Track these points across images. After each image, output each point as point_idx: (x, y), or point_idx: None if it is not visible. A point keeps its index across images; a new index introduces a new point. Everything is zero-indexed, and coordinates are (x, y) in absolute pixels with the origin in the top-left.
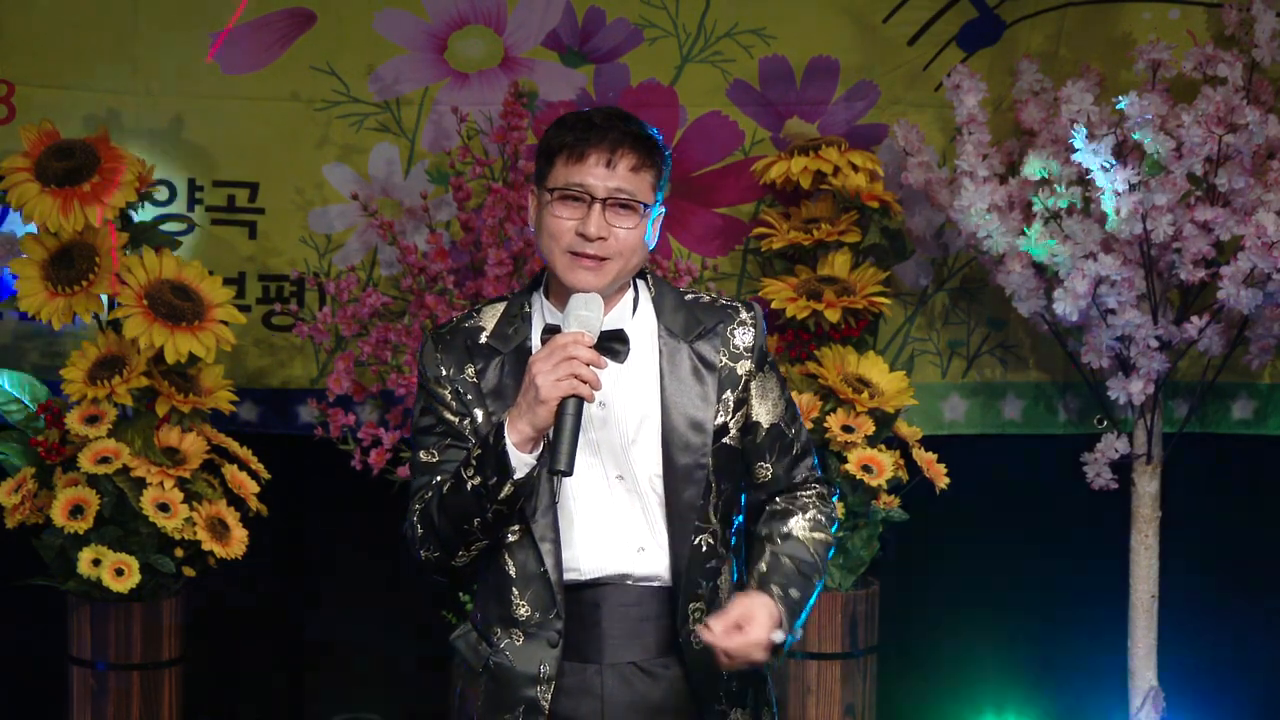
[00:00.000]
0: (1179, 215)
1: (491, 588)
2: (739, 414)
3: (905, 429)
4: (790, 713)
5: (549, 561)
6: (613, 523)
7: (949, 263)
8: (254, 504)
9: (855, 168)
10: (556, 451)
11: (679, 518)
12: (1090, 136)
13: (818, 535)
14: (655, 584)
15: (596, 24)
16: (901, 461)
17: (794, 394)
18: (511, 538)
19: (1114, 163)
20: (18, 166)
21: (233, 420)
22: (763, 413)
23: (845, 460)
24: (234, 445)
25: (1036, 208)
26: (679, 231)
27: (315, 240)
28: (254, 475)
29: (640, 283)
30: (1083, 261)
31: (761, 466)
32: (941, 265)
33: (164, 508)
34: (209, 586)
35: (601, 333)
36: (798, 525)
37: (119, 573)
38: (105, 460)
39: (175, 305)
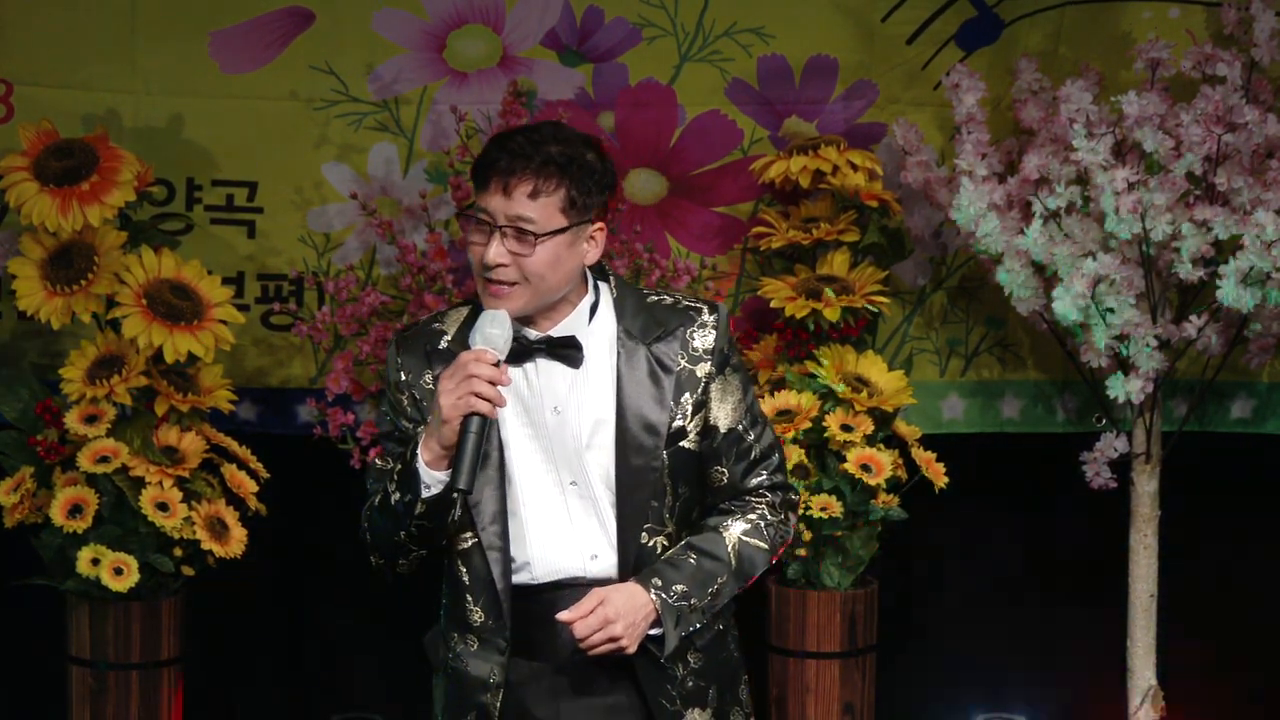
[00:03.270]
0: (1178, 214)
1: (451, 594)
2: (698, 417)
3: (904, 428)
4: (789, 712)
5: (496, 570)
6: (566, 529)
7: (948, 262)
8: (253, 503)
9: (854, 167)
10: (457, 469)
11: (630, 519)
12: (1089, 135)
13: (750, 540)
14: (607, 584)
15: (595, 23)
16: (900, 461)
17: (791, 393)
18: (465, 545)
19: (1113, 161)
20: (16, 166)
21: (231, 420)
22: (721, 416)
23: (844, 459)
24: (233, 444)
25: (1035, 207)
26: (677, 231)
27: (314, 239)
28: (253, 474)
29: (603, 285)
30: (1081, 261)
31: (717, 470)
32: (940, 264)
33: (163, 507)
34: (208, 586)
35: (553, 339)
36: (732, 525)
37: (118, 572)
38: (104, 460)
39: (174, 305)
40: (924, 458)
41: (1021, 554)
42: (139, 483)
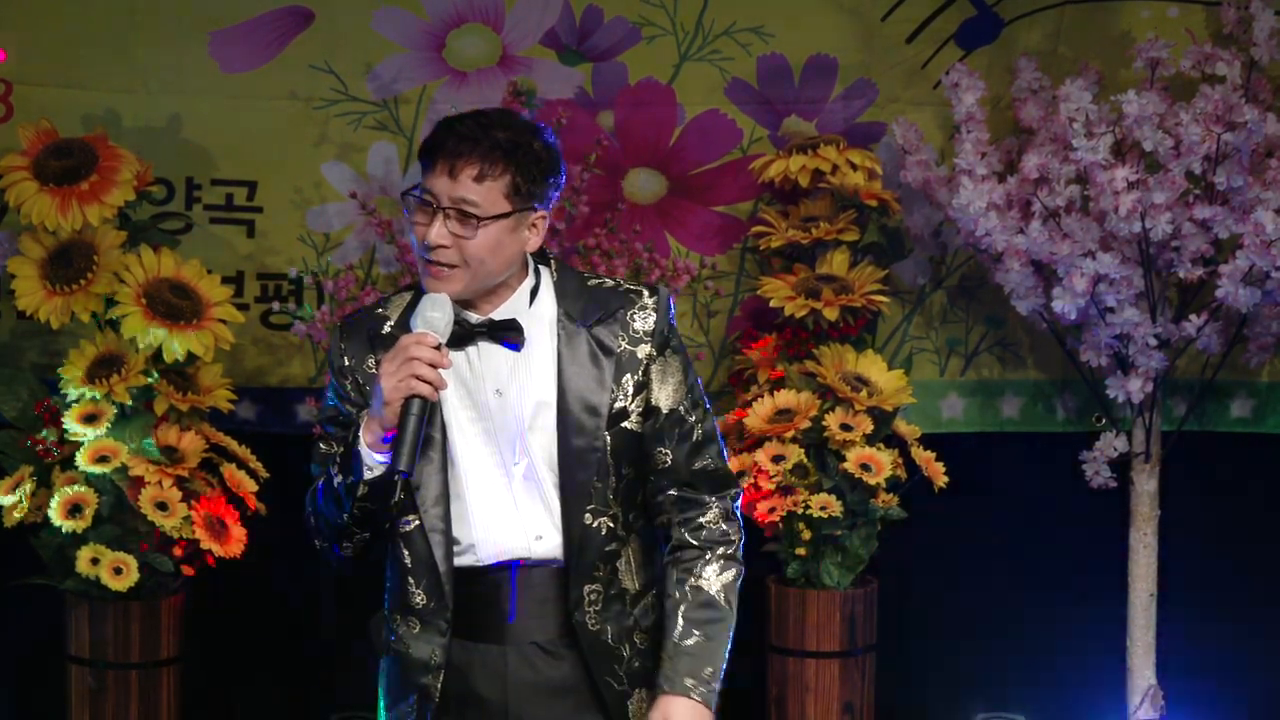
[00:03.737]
0: (1177, 213)
1: (394, 576)
2: (639, 397)
3: (903, 427)
4: (789, 711)
5: (438, 553)
6: (511, 511)
7: (947, 261)
8: (253, 502)
9: (853, 166)
10: (397, 452)
11: (573, 500)
12: (1089, 135)
13: (727, 576)
14: (552, 565)
15: (594, 22)
16: (900, 460)
17: (791, 393)
18: (408, 527)
19: (1112, 161)
20: (16, 165)
21: (231, 419)
22: (662, 397)
23: (844, 459)
24: (232, 444)
25: (1035, 207)
26: (677, 230)
27: (313, 239)
28: (252, 474)
29: (544, 269)
30: (1081, 260)
31: (661, 452)
32: (940, 264)
33: (162, 506)
34: (207, 585)
35: (494, 322)
36: (709, 573)
37: (117, 571)
38: (103, 459)
39: (173, 304)
40: (923, 457)
41: (1021, 553)
42: (138, 482)
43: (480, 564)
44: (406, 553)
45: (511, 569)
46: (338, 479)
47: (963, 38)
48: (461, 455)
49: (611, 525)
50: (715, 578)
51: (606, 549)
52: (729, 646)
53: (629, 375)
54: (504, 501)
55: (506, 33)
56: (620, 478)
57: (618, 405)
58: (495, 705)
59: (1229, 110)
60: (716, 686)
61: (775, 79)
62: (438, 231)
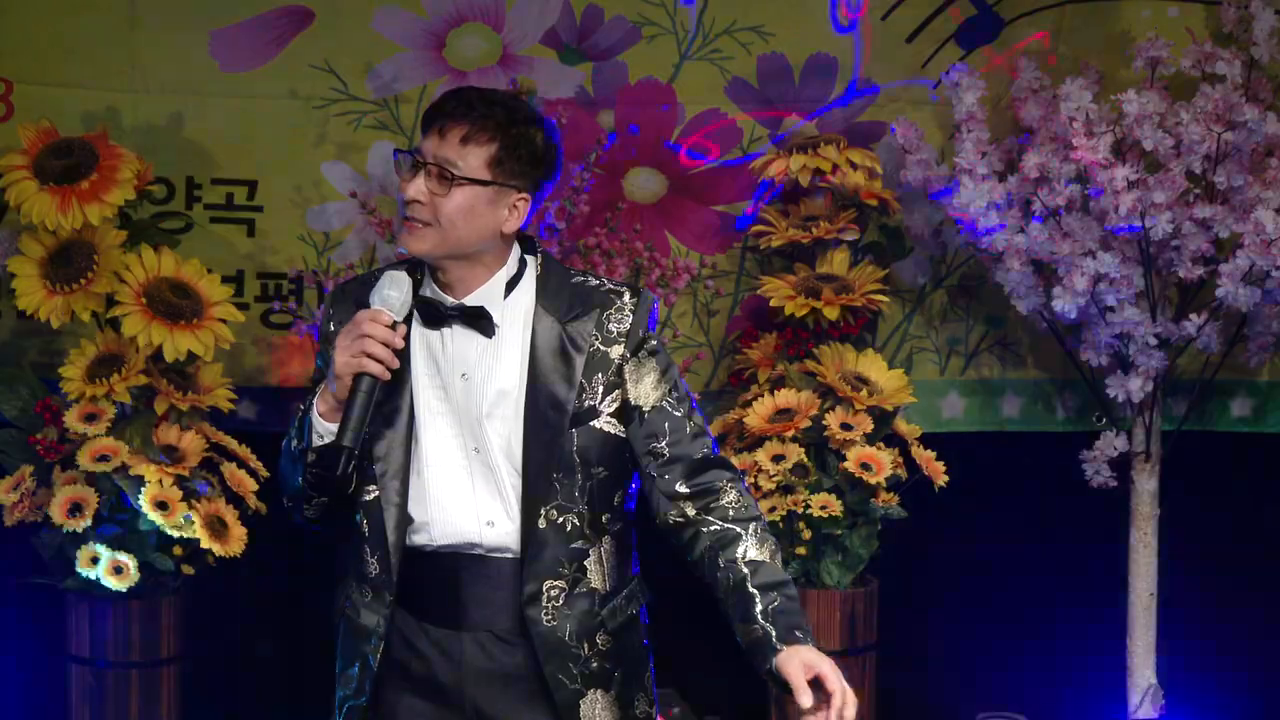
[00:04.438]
0: (1178, 213)
1: (351, 543)
2: (609, 398)
3: (904, 427)
4: (790, 709)
5: (389, 524)
6: (465, 494)
7: (947, 260)
8: (253, 502)
9: (854, 165)
10: (343, 426)
11: (532, 493)
12: (1089, 134)
13: (771, 545)
14: (507, 555)
15: (595, 21)
16: (900, 459)
17: (792, 391)
18: (368, 497)
19: (1113, 160)
20: (16, 164)
21: (231, 418)
22: (640, 396)
23: (844, 458)
24: (233, 443)
25: (1035, 206)
26: (677, 229)
27: (314, 238)
28: (253, 473)
29: (530, 259)
30: (1081, 259)
31: (656, 448)
32: (940, 263)
33: (163, 506)
34: (208, 584)
35: (465, 308)
36: (756, 547)
37: (117, 571)
38: (104, 458)
39: (174, 303)
40: (924, 456)
41: (1021, 552)
42: (139, 481)
43: (433, 544)
44: (365, 522)
45: (464, 556)
46: (293, 442)
47: (963, 37)
48: (425, 434)
49: (578, 523)
50: (763, 548)
51: (572, 546)
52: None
53: (599, 374)
54: (461, 484)
55: (507, 32)
56: (589, 477)
57: (586, 404)
58: (452, 691)
59: (1229, 109)
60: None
61: (775, 78)
62: (416, 187)
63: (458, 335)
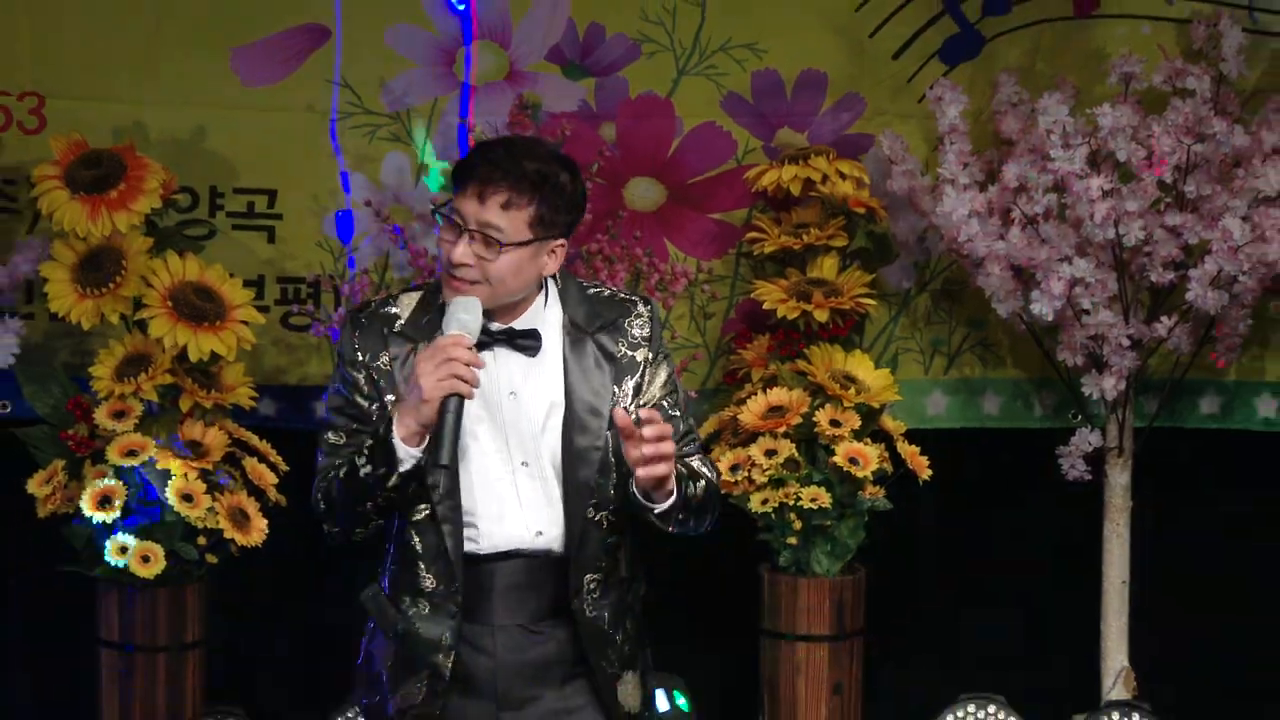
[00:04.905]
0: (1149, 220)
1: (401, 559)
2: (636, 398)
3: (890, 423)
4: (780, 691)
5: (450, 542)
6: (514, 506)
7: (931, 265)
8: (273, 494)
9: (843, 175)
10: (440, 447)
11: (575, 495)
12: (1066, 145)
13: (705, 468)
14: (551, 556)
15: (597, 39)
16: (886, 454)
17: (784, 389)
18: (418, 516)
19: (1088, 170)
20: (48, 175)
21: (252, 415)
22: (650, 392)
23: (833, 453)
24: (254, 439)
25: (1015, 214)
26: (675, 236)
27: (330, 244)
28: (273, 467)
29: (549, 281)
30: (1058, 265)
31: None
32: (924, 268)
33: (188, 498)
34: (230, 572)
35: (514, 330)
36: (692, 461)
37: (145, 560)
38: (132, 453)
39: (198, 306)
40: (909, 451)
41: (1001, 542)
42: (165, 475)
43: (480, 552)
44: (417, 539)
45: (505, 558)
46: (365, 469)
47: (946, 54)
48: (470, 450)
49: (613, 520)
50: (696, 462)
51: (608, 541)
52: (703, 496)
53: (629, 378)
54: (508, 496)
55: (513, 49)
56: (620, 474)
57: (619, 406)
58: (484, 682)
59: (1198, 122)
60: (686, 490)
61: (768, 93)
62: (462, 251)
63: (500, 357)
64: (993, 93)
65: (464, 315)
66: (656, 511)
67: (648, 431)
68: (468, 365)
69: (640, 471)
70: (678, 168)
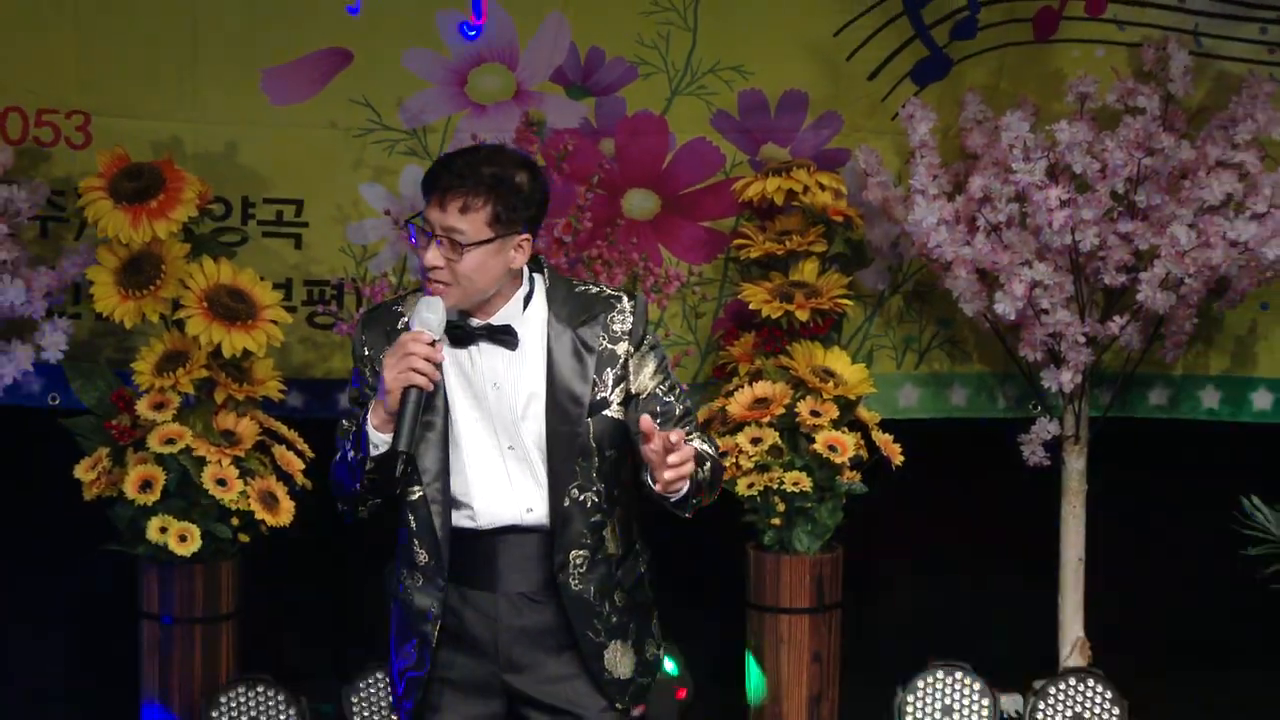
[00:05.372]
0: (1103, 228)
1: (402, 536)
2: (618, 389)
3: (865, 414)
4: (765, 660)
5: (437, 521)
6: (505, 487)
7: (903, 269)
8: (300, 479)
9: (822, 187)
10: (398, 433)
11: (557, 477)
12: (1026, 159)
13: (708, 448)
14: (540, 530)
15: (597, 62)
16: (862, 442)
17: (767, 384)
18: (413, 497)
19: (1047, 182)
20: (94, 186)
21: (281, 406)
22: (639, 384)
23: (813, 441)
24: (282, 428)
25: (979, 222)
26: (669, 242)
27: (353, 250)
28: (300, 454)
29: (538, 276)
30: (1020, 268)
31: None
32: (897, 271)
33: (222, 482)
34: (261, 550)
35: (491, 326)
36: (695, 440)
37: (183, 539)
38: (170, 441)
39: (231, 307)
40: (883, 439)
41: (967, 523)
42: (201, 461)
43: (477, 526)
44: (411, 518)
45: (504, 533)
46: (350, 454)
47: (917, 75)
48: (463, 438)
49: (596, 499)
50: (698, 441)
51: (593, 520)
52: (711, 475)
53: (609, 370)
54: (499, 478)
55: (520, 71)
56: (603, 459)
57: (599, 396)
58: (486, 643)
59: (1148, 138)
60: (697, 477)
61: (754, 111)
62: (432, 255)
63: (485, 351)
64: (960, 111)
65: (427, 314)
66: (673, 501)
67: (672, 459)
68: (426, 360)
69: (659, 487)
70: (671, 179)
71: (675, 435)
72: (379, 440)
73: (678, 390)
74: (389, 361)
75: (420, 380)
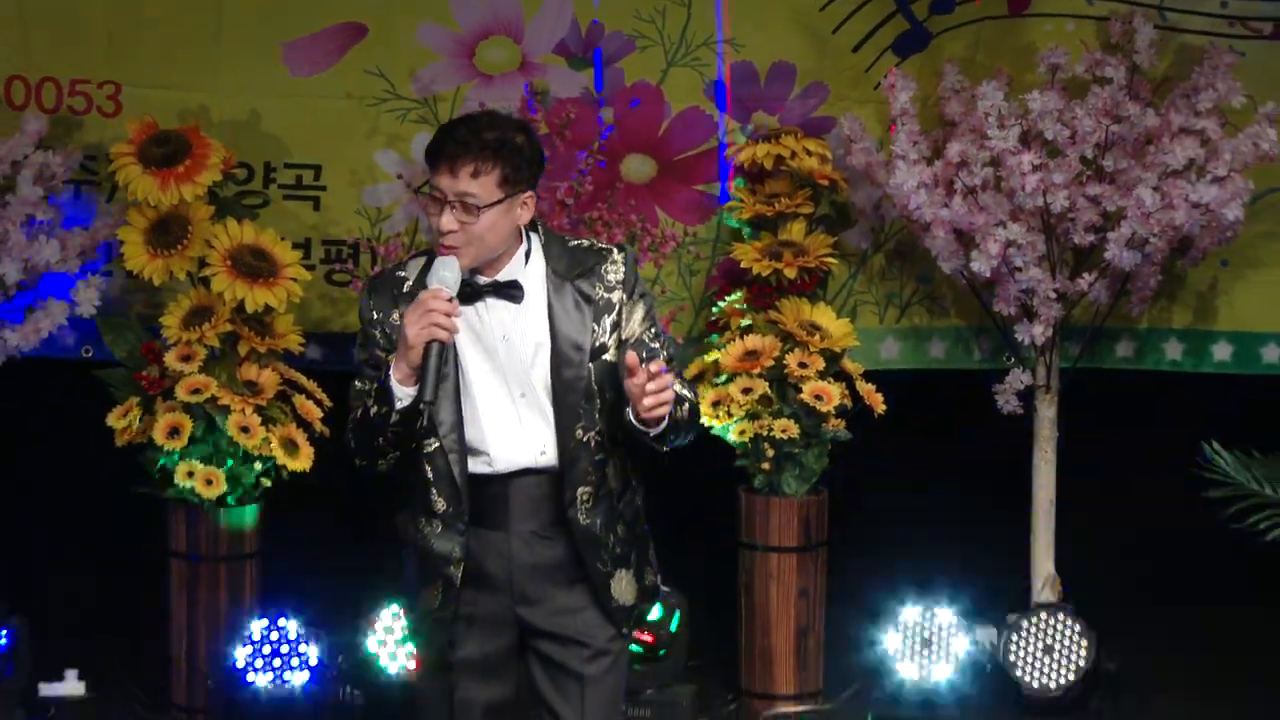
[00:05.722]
0: (1073, 191)
1: (416, 486)
2: (614, 334)
3: (849, 365)
4: (755, 595)
5: (456, 469)
6: (518, 431)
7: (885, 229)
8: (318, 426)
9: (809, 152)
10: (423, 385)
11: (564, 419)
12: (1001, 126)
13: (687, 391)
14: (550, 471)
15: (597, 34)
16: (846, 391)
17: (758, 337)
18: (429, 449)
19: (1020, 147)
20: (124, 152)
21: (300, 359)
22: (629, 330)
23: (800, 390)
24: (302, 379)
25: (957, 185)
26: (665, 204)
27: (368, 212)
28: (318, 403)
29: (533, 235)
30: (994, 228)
31: None
32: (879, 232)
33: (245, 430)
34: (281, 493)
35: (498, 282)
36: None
37: (208, 483)
38: (197, 391)
39: (254, 265)
40: (866, 389)
41: (945, 467)
42: (226, 410)
43: (494, 470)
44: (428, 468)
45: (518, 475)
46: (374, 410)
47: (899, 47)
48: (476, 389)
49: (599, 438)
50: (678, 385)
51: (596, 458)
52: (688, 416)
53: (606, 317)
54: (512, 423)
55: (525, 43)
56: (604, 400)
57: (598, 342)
58: (501, 580)
59: (1115, 106)
60: (675, 414)
61: (745, 81)
62: (447, 220)
63: (492, 306)
64: (938, 81)
65: (444, 273)
66: (652, 435)
67: (651, 386)
68: (446, 315)
69: (644, 414)
70: (667, 146)
71: (655, 365)
72: (403, 394)
73: (662, 337)
74: (410, 319)
75: (442, 334)
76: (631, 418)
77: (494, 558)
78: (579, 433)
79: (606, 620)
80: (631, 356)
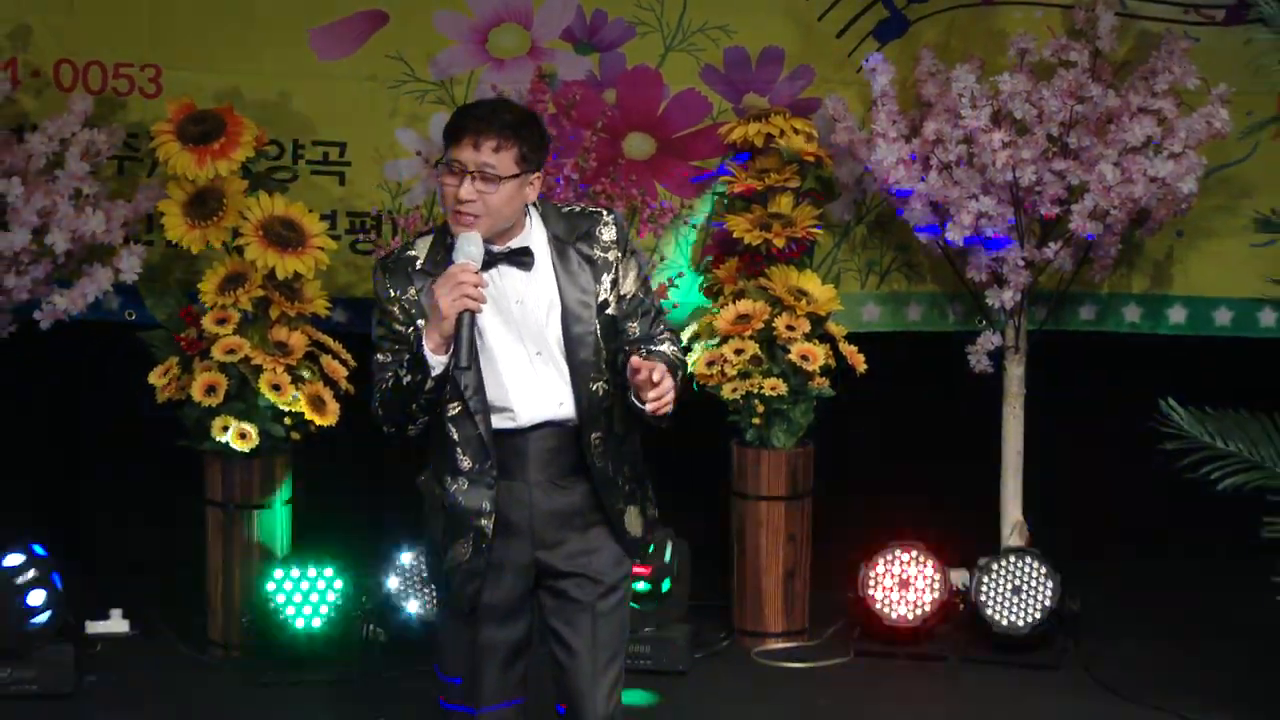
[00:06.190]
0: (1040, 166)
1: (442, 448)
2: (614, 290)
3: (834, 328)
4: (746, 541)
5: (481, 428)
6: (538, 386)
7: (866, 202)
8: (344, 384)
9: (796, 131)
10: (458, 353)
11: (578, 373)
12: (973, 106)
13: (675, 350)
14: (568, 424)
15: (601, 21)
16: (830, 353)
17: (749, 302)
18: (454, 411)
19: (991, 126)
20: (164, 130)
21: (327, 322)
22: (626, 285)
23: (788, 351)
24: (329, 340)
25: (933, 161)
26: (664, 179)
27: (389, 186)
28: (344, 363)
29: (531, 206)
30: (968, 201)
31: (630, 325)
32: (861, 204)
33: (276, 388)
34: (310, 446)
35: (512, 250)
36: (660, 345)
37: (242, 436)
38: (231, 352)
39: (284, 235)
40: (849, 350)
41: (923, 422)
42: (258, 369)
43: (518, 425)
44: (453, 429)
45: (539, 428)
46: (407, 378)
47: (879, 33)
48: (495, 350)
49: (606, 388)
50: (667, 347)
51: (604, 405)
52: (679, 381)
53: (605, 275)
54: (531, 380)
55: (534, 29)
56: (608, 350)
57: (601, 298)
58: (523, 528)
59: (1079, 87)
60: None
61: (737, 65)
62: (466, 189)
63: (504, 273)
64: (916, 65)
65: (470, 248)
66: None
67: (653, 394)
68: (475, 286)
69: (650, 409)
70: (665, 125)
71: (657, 374)
72: (436, 362)
73: (650, 289)
74: (440, 292)
75: (473, 305)
76: (639, 404)
77: (516, 507)
78: (590, 384)
79: (621, 556)
80: (636, 361)
